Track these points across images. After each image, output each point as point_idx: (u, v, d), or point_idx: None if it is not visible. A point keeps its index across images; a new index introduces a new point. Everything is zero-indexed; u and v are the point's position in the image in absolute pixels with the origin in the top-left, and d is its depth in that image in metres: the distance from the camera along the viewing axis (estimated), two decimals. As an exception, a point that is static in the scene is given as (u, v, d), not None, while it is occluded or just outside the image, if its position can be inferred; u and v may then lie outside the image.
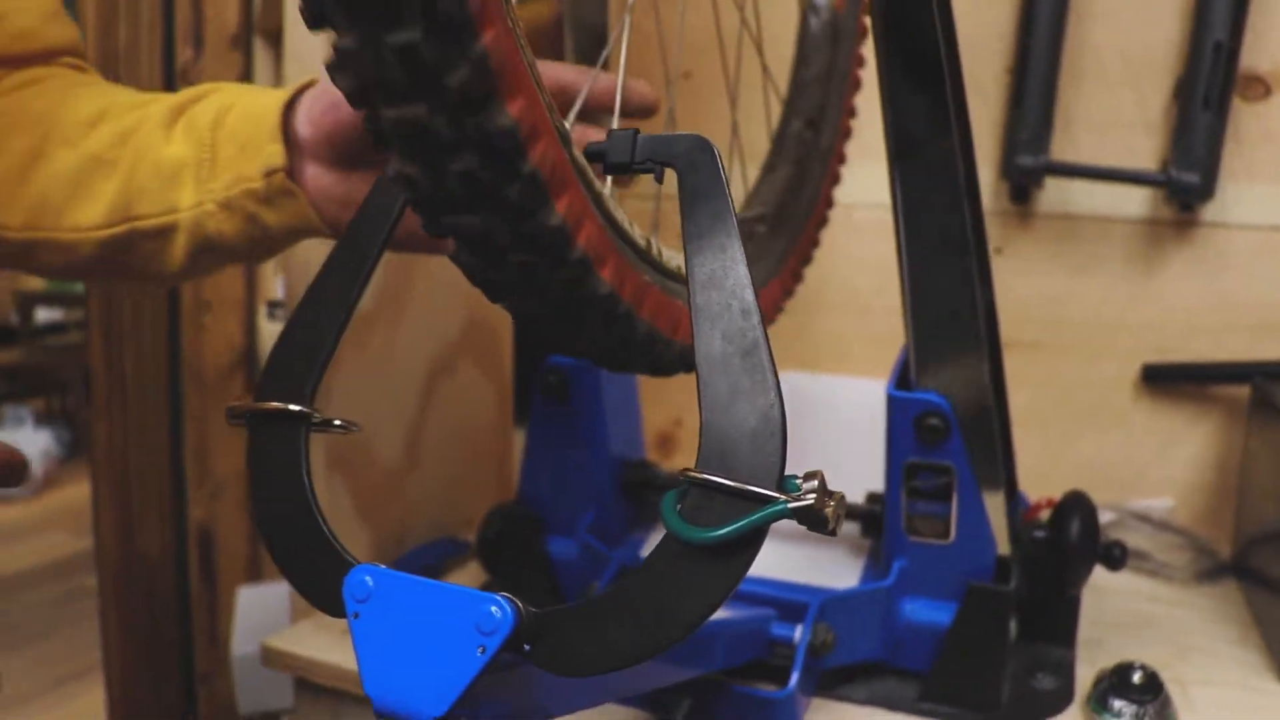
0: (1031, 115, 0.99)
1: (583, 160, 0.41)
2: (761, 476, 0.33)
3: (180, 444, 1.59)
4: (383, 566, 0.35)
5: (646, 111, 0.64)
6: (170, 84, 1.50)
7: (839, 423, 1.01)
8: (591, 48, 0.71)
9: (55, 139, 0.64)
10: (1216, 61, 0.92)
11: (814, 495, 0.32)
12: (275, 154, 0.59)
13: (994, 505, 0.60)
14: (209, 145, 0.61)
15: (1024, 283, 1.04)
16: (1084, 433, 1.03)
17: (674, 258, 0.52)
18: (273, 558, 0.40)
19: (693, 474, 0.33)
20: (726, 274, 0.36)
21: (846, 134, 0.87)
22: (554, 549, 0.75)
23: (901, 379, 0.61)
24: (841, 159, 0.88)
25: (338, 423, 0.43)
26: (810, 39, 0.84)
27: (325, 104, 0.59)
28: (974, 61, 1.03)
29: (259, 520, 0.41)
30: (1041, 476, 1.04)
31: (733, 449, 0.33)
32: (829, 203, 0.86)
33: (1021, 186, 1.00)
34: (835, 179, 0.87)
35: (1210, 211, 0.97)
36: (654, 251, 0.49)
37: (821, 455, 1.04)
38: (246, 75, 1.54)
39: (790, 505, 0.32)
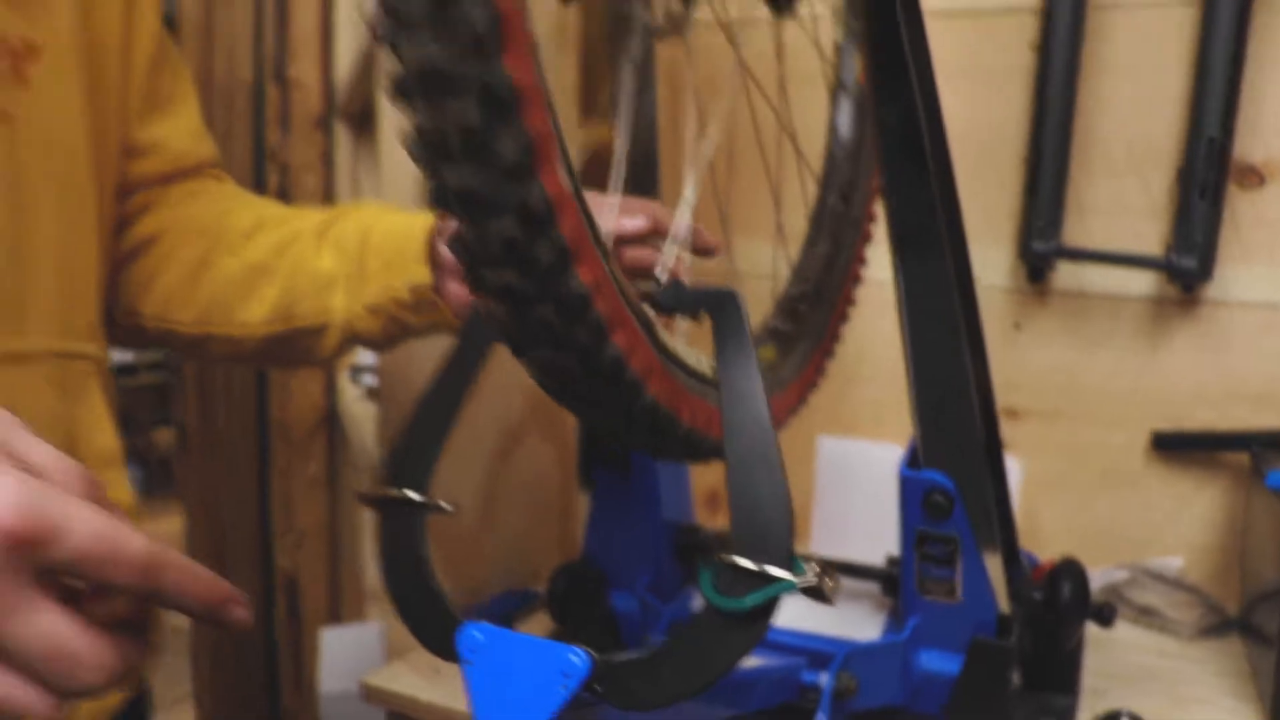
0: (1045, 202, 1.09)
1: (636, 304, 0.52)
2: (776, 560, 0.43)
3: (268, 497, 1.72)
4: (488, 624, 0.46)
5: (710, 253, 0.77)
6: (260, 161, 1.64)
7: (871, 485, 1.11)
8: (645, 169, 0.82)
9: (219, 249, 0.79)
10: (1210, 155, 1.01)
11: (816, 576, 0.42)
12: (423, 274, 0.73)
13: (994, 567, 0.70)
14: (357, 261, 0.75)
15: (1041, 355, 1.13)
16: (1100, 495, 1.12)
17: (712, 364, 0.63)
18: (399, 614, 0.51)
19: (723, 558, 0.44)
20: (748, 398, 0.47)
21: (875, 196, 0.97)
22: (616, 603, 0.85)
23: (913, 457, 0.71)
24: (872, 219, 0.98)
25: (445, 506, 0.54)
26: (840, 115, 0.95)
27: None
28: (992, 151, 1.14)
29: (387, 582, 0.53)
30: (1061, 536, 1.13)
31: (754, 537, 0.44)
32: (862, 260, 0.96)
33: (1037, 268, 1.10)
34: (867, 237, 0.97)
35: (1212, 290, 1.06)
36: (694, 362, 0.60)
37: (855, 516, 1.14)
38: (328, 154, 1.69)
39: (797, 584, 0.42)
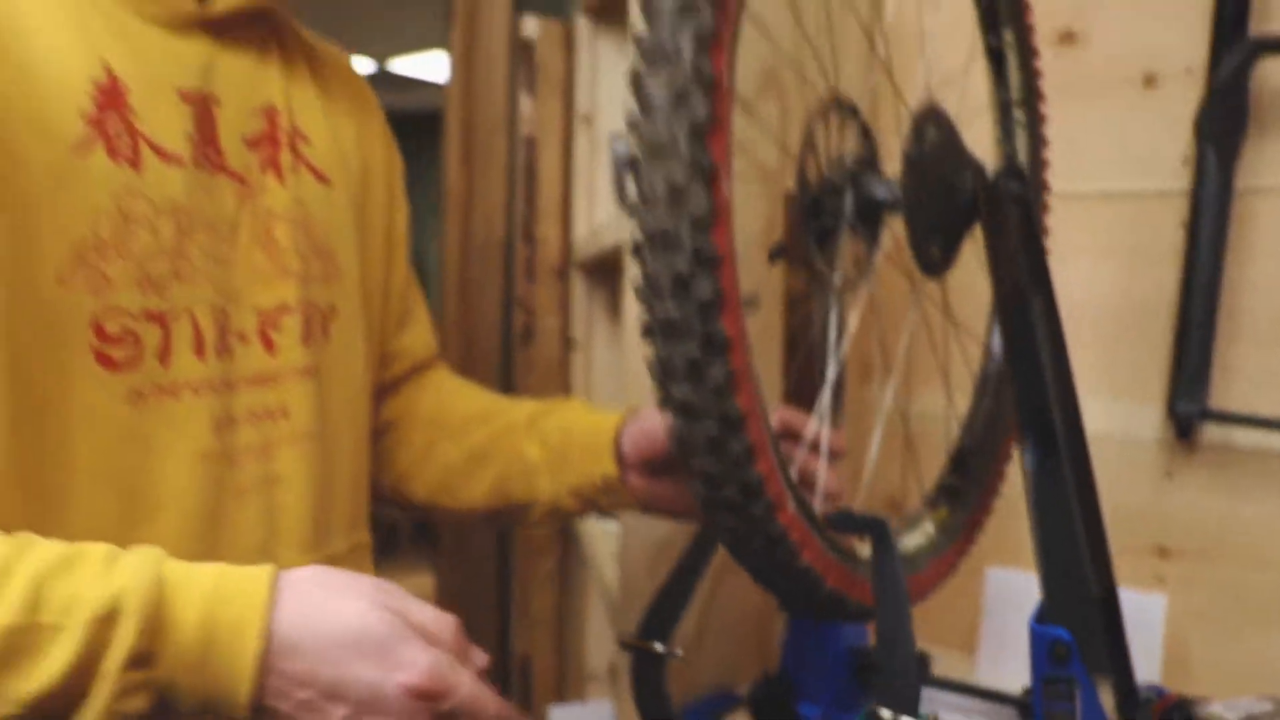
0: (1191, 367, 1.23)
1: (815, 522, 0.74)
2: (906, 709, 0.63)
3: (507, 591, 2.00)
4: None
5: (839, 457, 0.94)
6: (509, 306, 1.95)
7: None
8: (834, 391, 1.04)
9: (444, 436, 1.01)
10: (1345, 334, 1.14)
11: (932, 722, 0.62)
12: (611, 468, 0.94)
13: (1108, 701, 0.86)
14: (560, 453, 0.96)
15: (1191, 501, 1.26)
16: (1248, 631, 1.23)
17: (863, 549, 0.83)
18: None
19: (872, 708, 0.64)
20: (893, 592, 0.67)
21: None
22: (804, 711, 1.05)
23: (1041, 613, 0.89)
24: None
25: (679, 653, 0.77)
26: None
27: (639, 434, 0.94)
28: (1145, 317, 1.29)
29: (638, 703, 0.75)
30: (1210, 670, 1.25)
31: (891, 692, 0.64)
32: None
33: (1184, 427, 1.24)
34: None
35: (1354, 450, 1.17)
36: (853, 551, 0.81)
37: (1017, 642, 1.29)
38: (565, 299, 1.98)
39: (919, 729, 0.62)
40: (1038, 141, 1.06)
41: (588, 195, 1.86)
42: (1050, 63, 1.35)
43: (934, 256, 0.79)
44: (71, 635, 0.51)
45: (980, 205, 0.76)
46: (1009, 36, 0.99)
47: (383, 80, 5.68)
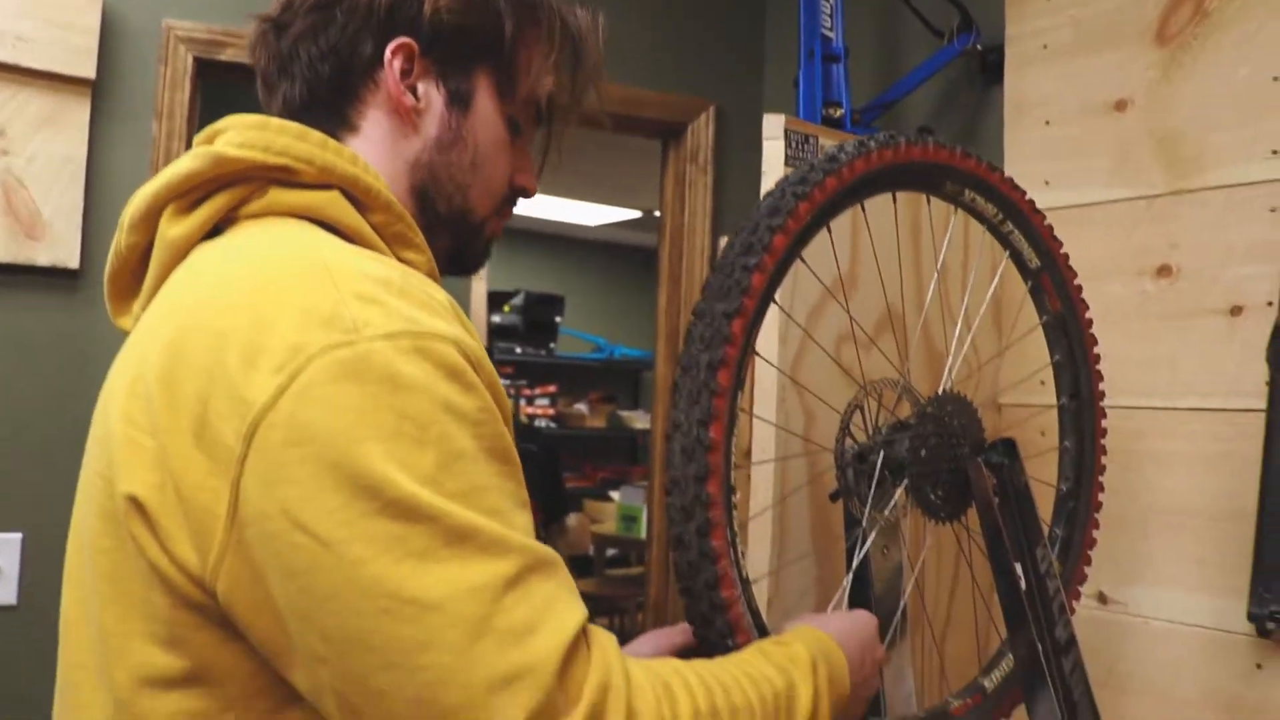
0: (1265, 572, 1.37)
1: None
2: None
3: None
4: None
5: None
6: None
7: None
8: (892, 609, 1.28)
9: None
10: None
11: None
12: None
13: None
14: None
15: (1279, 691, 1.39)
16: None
17: None
18: None
19: None
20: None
21: (1099, 378, 1.27)
22: None
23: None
24: (1101, 378, 1.27)
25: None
26: (1049, 334, 1.26)
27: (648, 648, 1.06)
28: (1233, 523, 1.43)
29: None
30: None
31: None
32: (1104, 450, 1.27)
33: (1262, 629, 1.38)
34: (1102, 422, 1.27)
35: None
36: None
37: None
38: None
39: None
40: (1092, 379, 1.26)
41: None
42: (1150, 293, 1.55)
43: (934, 502, 1.04)
44: (805, 682, 0.79)
45: (969, 474, 1.02)
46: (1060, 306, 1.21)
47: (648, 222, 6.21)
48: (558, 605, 0.64)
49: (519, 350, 6.23)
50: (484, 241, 0.90)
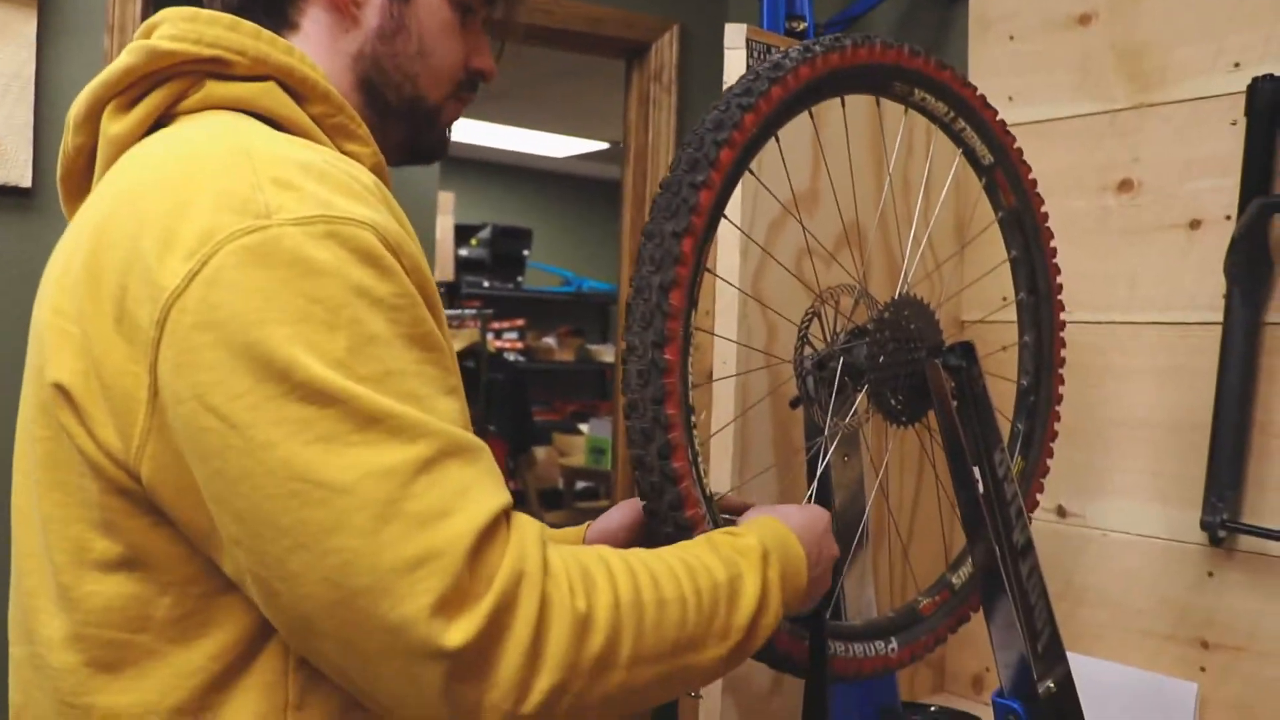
0: (1218, 482, 1.39)
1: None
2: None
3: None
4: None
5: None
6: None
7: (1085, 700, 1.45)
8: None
9: None
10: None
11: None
12: None
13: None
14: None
15: (1229, 600, 1.41)
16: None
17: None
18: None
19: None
20: None
21: (1056, 272, 1.26)
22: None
23: (1000, 692, 1.10)
24: (1058, 271, 1.26)
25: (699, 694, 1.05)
26: (1005, 230, 1.23)
27: (598, 534, 1.05)
28: (1189, 435, 1.45)
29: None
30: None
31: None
32: (1063, 343, 1.27)
33: (1212, 536, 1.40)
34: (1060, 321, 1.27)
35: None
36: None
37: None
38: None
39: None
40: (1049, 274, 1.25)
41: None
42: (1112, 208, 1.55)
43: (894, 407, 1.04)
44: (753, 573, 0.78)
45: (927, 376, 1.02)
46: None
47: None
48: (474, 491, 0.63)
49: (486, 284, 6.18)
50: (440, 128, 0.89)
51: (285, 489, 0.60)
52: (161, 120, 0.76)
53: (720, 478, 1.33)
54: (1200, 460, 1.43)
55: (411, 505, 0.61)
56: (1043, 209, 1.23)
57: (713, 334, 1.33)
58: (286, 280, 0.62)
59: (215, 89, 0.74)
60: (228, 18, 0.75)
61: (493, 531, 0.63)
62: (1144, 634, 1.50)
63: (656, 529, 0.91)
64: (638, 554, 0.74)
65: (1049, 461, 1.28)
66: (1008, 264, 1.26)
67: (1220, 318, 1.42)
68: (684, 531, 0.89)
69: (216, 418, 0.61)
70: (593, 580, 0.67)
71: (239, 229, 0.63)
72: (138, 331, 0.64)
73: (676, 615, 0.71)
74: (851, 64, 1.00)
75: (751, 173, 0.98)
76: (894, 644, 1.09)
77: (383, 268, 0.65)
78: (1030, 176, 1.21)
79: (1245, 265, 1.37)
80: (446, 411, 0.66)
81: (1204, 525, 1.39)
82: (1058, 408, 1.27)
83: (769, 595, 0.79)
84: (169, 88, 0.75)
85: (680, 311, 0.89)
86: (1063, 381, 1.28)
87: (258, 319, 0.61)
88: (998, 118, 1.17)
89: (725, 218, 0.95)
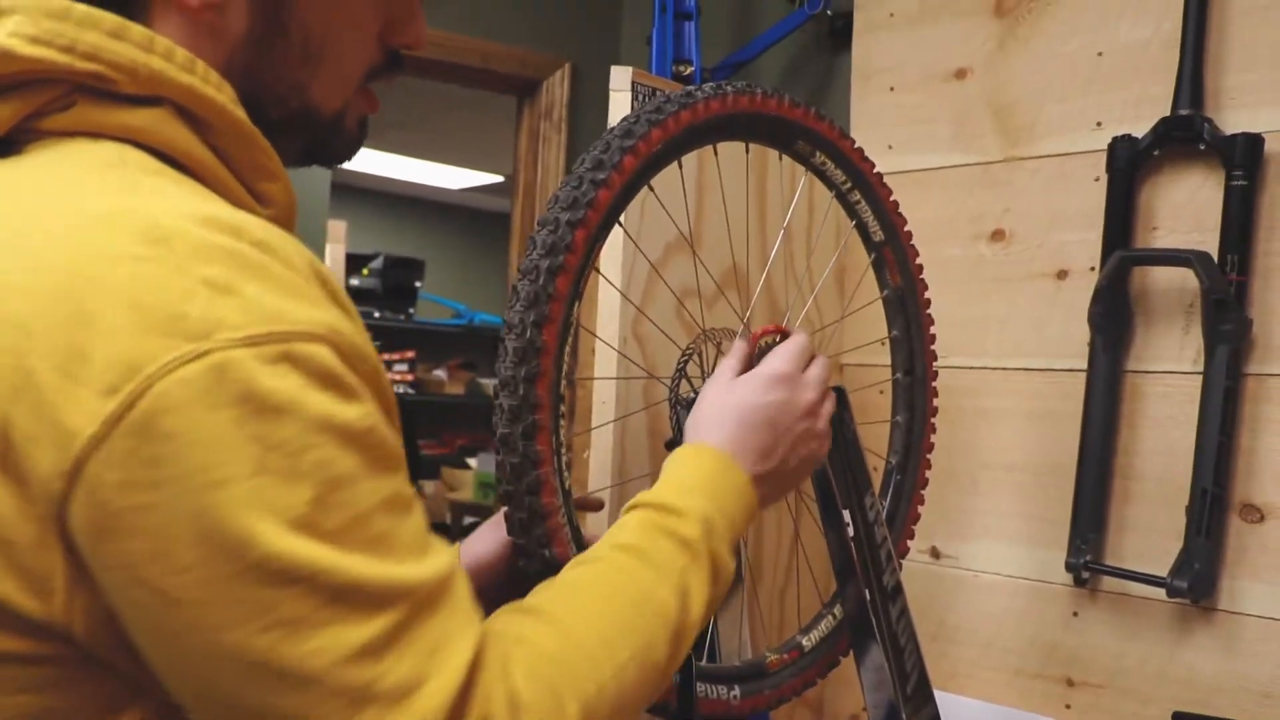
0: (1082, 524, 1.43)
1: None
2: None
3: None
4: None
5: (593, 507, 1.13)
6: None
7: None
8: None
9: None
10: (1203, 504, 1.34)
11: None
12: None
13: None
14: None
15: (1092, 638, 1.46)
16: (1136, 756, 1.42)
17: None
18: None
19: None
20: None
21: (933, 357, 1.27)
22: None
23: None
24: (935, 357, 1.26)
25: None
26: (889, 309, 1.25)
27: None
28: (1055, 478, 1.50)
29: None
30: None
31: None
32: (933, 428, 1.27)
33: (1078, 579, 1.45)
34: (933, 404, 1.27)
35: (1223, 602, 1.36)
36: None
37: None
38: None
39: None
40: (926, 358, 1.27)
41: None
42: (985, 256, 1.60)
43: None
44: (698, 572, 0.74)
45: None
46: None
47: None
48: (447, 646, 0.57)
49: (377, 315, 6.07)
50: (348, 132, 0.74)
51: (245, 674, 0.52)
52: (10, 136, 0.60)
53: (601, 476, 1.31)
54: (1066, 503, 1.48)
55: (385, 683, 0.54)
56: (926, 294, 1.24)
57: (597, 337, 1.31)
58: (239, 422, 0.51)
59: (90, 112, 0.59)
60: (111, 19, 0.59)
61: (468, 687, 0.57)
62: (1013, 672, 1.54)
63: (512, 516, 0.88)
64: (582, 615, 0.68)
65: (909, 543, 1.27)
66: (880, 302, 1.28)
67: (1085, 365, 1.47)
68: (538, 519, 0.87)
69: (151, 592, 0.51)
70: (559, 695, 0.62)
71: (174, 358, 0.50)
72: (34, 481, 0.51)
73: (634, 675, 0.67)
74: (759, 111, 1.02)
75: (651, 189, 0.99)
76: (736, 692, 1.08)
77: (344, 388, 0.55)
78: (917, 261, 1.22)
79: (1107, 315, 1.43)
80: (412, 531, 0.59)
81: (1069, 567, 1.44)
82: (923, 491, 1.26)
83: (720, 573, 0.76)
84: (25, 98, 0.59)
85: (564, 297, 0.89)
86: (930, 466, 1.26)
87: (205, 480, 0.50)
88: (892, 198, 1.19)
89: (620, 224, 0.96)
